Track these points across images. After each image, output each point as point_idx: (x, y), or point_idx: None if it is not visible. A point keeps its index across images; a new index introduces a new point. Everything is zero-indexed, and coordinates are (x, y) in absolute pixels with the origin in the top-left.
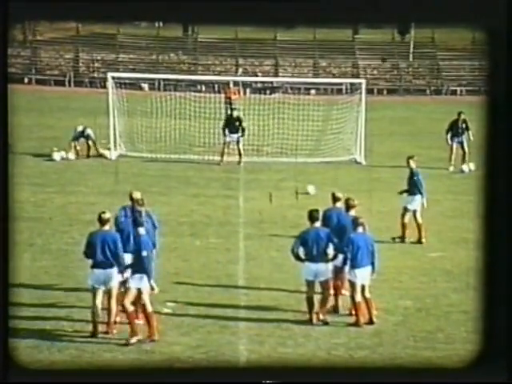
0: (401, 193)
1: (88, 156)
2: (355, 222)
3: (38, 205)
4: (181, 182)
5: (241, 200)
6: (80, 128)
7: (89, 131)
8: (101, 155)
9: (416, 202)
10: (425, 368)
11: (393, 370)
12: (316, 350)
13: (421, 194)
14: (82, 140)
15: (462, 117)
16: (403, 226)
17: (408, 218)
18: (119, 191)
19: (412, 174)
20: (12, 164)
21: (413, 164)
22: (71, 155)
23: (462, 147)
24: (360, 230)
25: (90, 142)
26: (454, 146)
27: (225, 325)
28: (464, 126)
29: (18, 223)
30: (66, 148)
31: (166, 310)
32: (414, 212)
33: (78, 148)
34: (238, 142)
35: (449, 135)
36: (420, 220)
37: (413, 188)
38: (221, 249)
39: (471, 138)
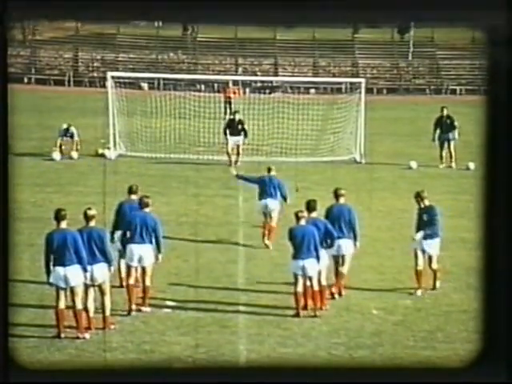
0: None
1: (72, 156)
2: (297, 216)
3: (38, 205)
4: (180, 181)
5: (240, 200)
6: (64, 126)
7: (73, 130)
8: (70, 157)
9: (435, 246)
10: (425, 368)
11: (392, 370)
12: (316, 349)
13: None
14: (67, 139)
15: (446, 112)
16: (418, 273)
17: (423, 263)
18: (119, 191)
19: (428, 212)
20: (11, 164)
21: (426, 201)
22: (56, 155)
23: (449, 145)
24: (302, 222)
25: (75, 140)
26: (440, 143)
27: (224, 324)
28: (449, 122)
29: (17, 223)
30: (53, 147)
31: (165, 310)
32: (430, 257)
33: (63, 147)
34: (238, 146)
35: (437, 133)
36: (435, 266)
37: (431, 229)
38: (220, 248)
39: (456, 137)
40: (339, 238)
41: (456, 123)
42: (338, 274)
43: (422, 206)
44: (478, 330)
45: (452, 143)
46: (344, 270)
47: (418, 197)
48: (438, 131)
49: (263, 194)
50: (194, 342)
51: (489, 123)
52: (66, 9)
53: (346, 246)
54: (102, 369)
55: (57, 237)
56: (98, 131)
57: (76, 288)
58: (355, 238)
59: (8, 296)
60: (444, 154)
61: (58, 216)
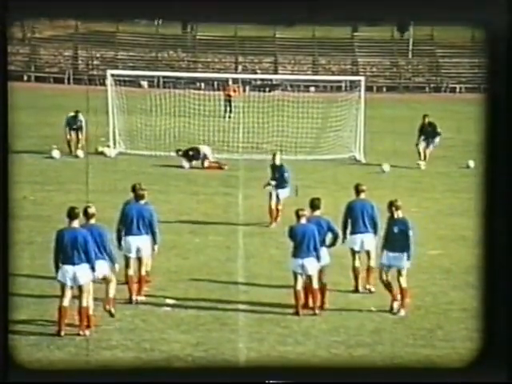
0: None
1: (76, 152)
2: (297, 214)
3: (38, 203)
4: (180, 179)
5: (240, 198)
6: (71, 114)
7: (81, 118)
8: (76, 156)
9: (403, 262)
10: (424, 366)
11: (392, 369)
12: (315, 348)
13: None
14: (73, 132)
15: (427, 120)
16: (388, 286)
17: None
18: (119, 189)
19: (399, 225)
20: (11, 162)
21: (400, 213)
22: (56, 153)
23: (427, 147)
24: (303, 221)
25: (83, 133)
26: (421, 147)
27: (224, 323)
28: (430, 129)
29: (17, 221)
30: (53, 145)
31: (165, 308)
32: (399, 272)
33: (69, 137)
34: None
35: (421, 137)
36: (404, 284)
37: (400, 242)
38: (220, 246)
39: (435, 145)
40: (362, 233)
41: (439, 130)
42: (368, 269)
43: (395, 216)
44: (477, 329)
45: (431, 147)
46: (372, 263)
47: (392, 206)
48: (422, 137)
49: (281, 184)
50: (193, 340)
51: (488, 121)
52: (65, 6)
53: (368, 241)
54: (102, 368)
55: (67, 235)
56: (97, 129)
57: (84, 286)
58: (375, 233)
59: (8, 294)
60: (422, 156)
61: (71, 214)
